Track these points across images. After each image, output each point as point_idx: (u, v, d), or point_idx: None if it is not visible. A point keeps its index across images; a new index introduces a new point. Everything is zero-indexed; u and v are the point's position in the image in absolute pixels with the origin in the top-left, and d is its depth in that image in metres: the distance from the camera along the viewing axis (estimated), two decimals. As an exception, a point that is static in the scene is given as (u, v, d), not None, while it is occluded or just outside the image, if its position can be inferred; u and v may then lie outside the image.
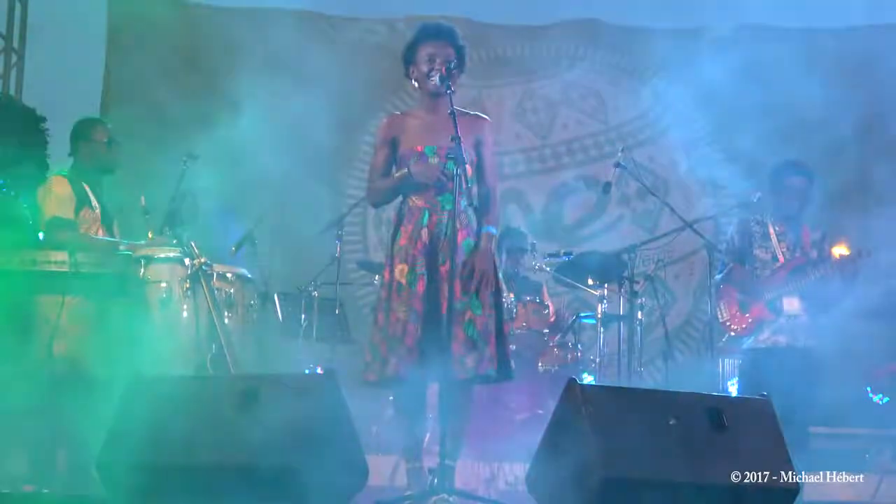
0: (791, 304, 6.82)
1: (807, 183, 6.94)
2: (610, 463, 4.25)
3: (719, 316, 7.10)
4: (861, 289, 6.94)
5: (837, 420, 9.05)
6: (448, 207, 5.28)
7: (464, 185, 5.18)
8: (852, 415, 9.25)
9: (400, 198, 5.46)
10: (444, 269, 5.23)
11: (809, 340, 6.83)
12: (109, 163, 6.72)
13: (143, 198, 6.63)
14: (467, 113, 5.49)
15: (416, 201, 5.34)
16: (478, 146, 5.44)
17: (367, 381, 5.28)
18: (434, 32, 5.49)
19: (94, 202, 6.56)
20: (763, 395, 4.84)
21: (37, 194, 6.80)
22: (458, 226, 5.23)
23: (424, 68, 5.40)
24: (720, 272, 7.20)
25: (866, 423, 8.85)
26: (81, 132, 6.72)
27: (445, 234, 5.26)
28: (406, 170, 5.32)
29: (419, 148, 5.33)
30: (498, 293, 5.39)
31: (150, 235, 6.69)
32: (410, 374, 5.16)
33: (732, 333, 7.02)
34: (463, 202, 5.28)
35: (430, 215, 5.30)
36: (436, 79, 5.36)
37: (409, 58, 5.50)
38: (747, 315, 6.96)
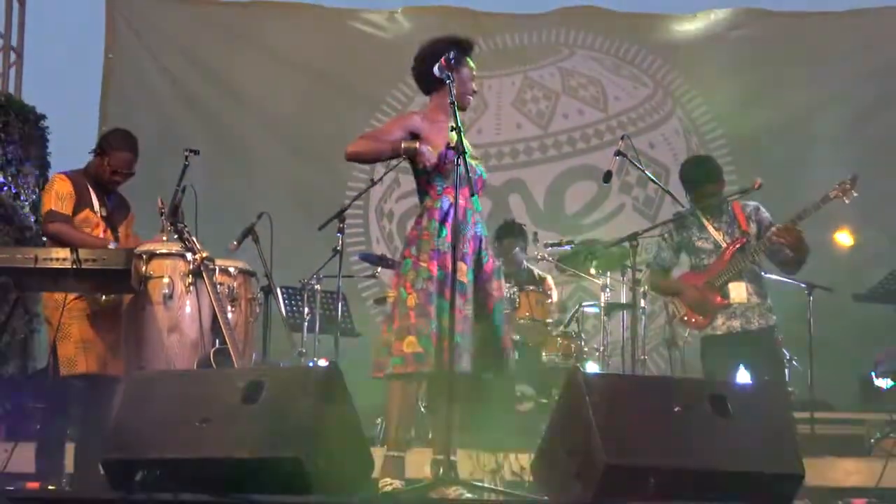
0: (738, 292, 6.78)
1: (721, 183, 6.93)
2: (614, 451, 4.25)
3: (675, 311, 7.04)
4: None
5: (842, 405, 9.07)
6: (479, 209, 5.51)
7: (473, 176, 5.29)
8: (857, 399, 9.27)
9: (430, 194, 5.45)
10: (488, 266, 5.44)
11: (764, 321, 6.81)
12: (107, 184, 6.63)
13: (160, 199, 6.62)
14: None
15: (458, 199, 5.31)
16: None
17: (419, 372, 5.25)
18: (472, 49, 5.62)
19: (97, 205, 6.53)
20: (769, 381, 4.85)
21: (38, 193, 6.79)
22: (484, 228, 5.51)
23: (470, 86, 5.58)
24: (657, 266, 7.17)
25: (871, 407, 8.86)
26: (103, 145, 6.63)
27: (485, 233, 5.49)
28: (416, 145, 5.34)
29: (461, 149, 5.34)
30: None
31: (164, 238, 6.68)
32: (475, 368, 5.27)
33: (693, 328, 7.00)
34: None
35: (471, 215, 5.42)
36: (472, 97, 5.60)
37: (456, 63, 5.45)
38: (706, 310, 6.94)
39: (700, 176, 6.93)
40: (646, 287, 8.05)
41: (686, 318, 6.96)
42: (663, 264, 7.10)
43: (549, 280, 8.85)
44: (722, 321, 6.81)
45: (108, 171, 6.53)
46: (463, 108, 5.50)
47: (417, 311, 5.27)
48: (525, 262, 8.80)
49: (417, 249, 5.38)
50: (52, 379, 6.33)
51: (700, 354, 7.01)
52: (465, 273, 5.28)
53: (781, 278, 7.41)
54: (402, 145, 5.36)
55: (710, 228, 6.90)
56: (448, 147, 5.29)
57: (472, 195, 5.38)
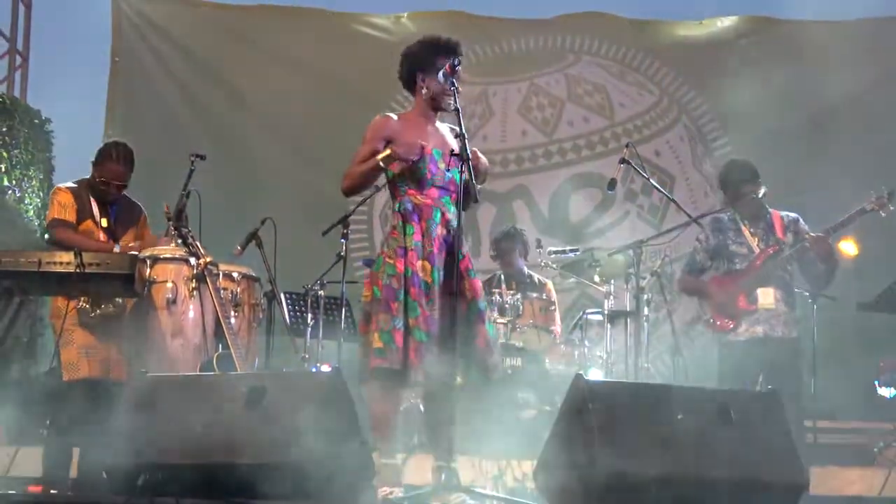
0: (766, 297, 6.80)
1: (758, 186, 6.95)
2: (617, 458, 4.25)
3: (702, 315, 7.08)
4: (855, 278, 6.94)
5: (845, 414, 9.06)
6: (451, 210, 5.41)
7: (443, 179, 5.35)
8: (860, 408, 9.25)
9: (396, 196, 5.46)
10: (462, 265, 5.37)
11: (788, 330, 6.81)
12: (101, 194, 6.61)
13: (166, 205, 6.62)
14: (443, 124, 5.61)
15: (422, 199, 5.36)
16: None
17: (380, 368, 5.23)
18: (456, 49, 5.52)
19: (99, 216, 6.52)
20: (771, 389, 4.84)
21: (42, 197, 6.79)
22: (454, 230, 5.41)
23: (447, 87, 5.42)
24: (689, 268, 7.17)
25: (874, 416, 8.85)
26: (97, 156, 6.61)
27: (457, 232, 5.39)
28: (388, 151, 5.32)
29: (427, 150, 5.35)
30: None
31: (172, 243, 6.68)
32: (441, 370, 5.21)
33: (718, 330, 7.00)
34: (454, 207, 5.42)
35: (442, 214, 5.35)
36: (453, 98, 5.40)
37: (424, 65, 5.49)
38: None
39: (737, 177, 6.97)
40: (649, 295, 8.04)
41: (711, 321, 6.98)
42: (696, 266, 7.11)
43: (550, 285, 8.85)
44: (745, 327, 6.82)
45: (98, 181, 6.52)
46: (440, 109, 5.50)
47: (382, 306, 5.29)
48: (525, 268, 8.80)
49: (387, 247, 5.41)
50: (56, 383, 6.35)
51: (719, 359, 7.02)
52: (429, 272, 5.29)
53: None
54: (378, 159, 5.34)
55: (747, 233, 6.93)
56: (453, 153, 5.29)
57: (443, 197, 5.38)
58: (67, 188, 6.53)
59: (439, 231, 5.34)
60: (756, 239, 6.92)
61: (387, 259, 5.36)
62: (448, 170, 5.40)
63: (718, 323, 6.94)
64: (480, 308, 5.37)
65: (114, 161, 6.53)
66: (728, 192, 7.04)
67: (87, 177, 6.60)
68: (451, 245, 5.37)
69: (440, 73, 5.38)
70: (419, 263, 5.29)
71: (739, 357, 6.80)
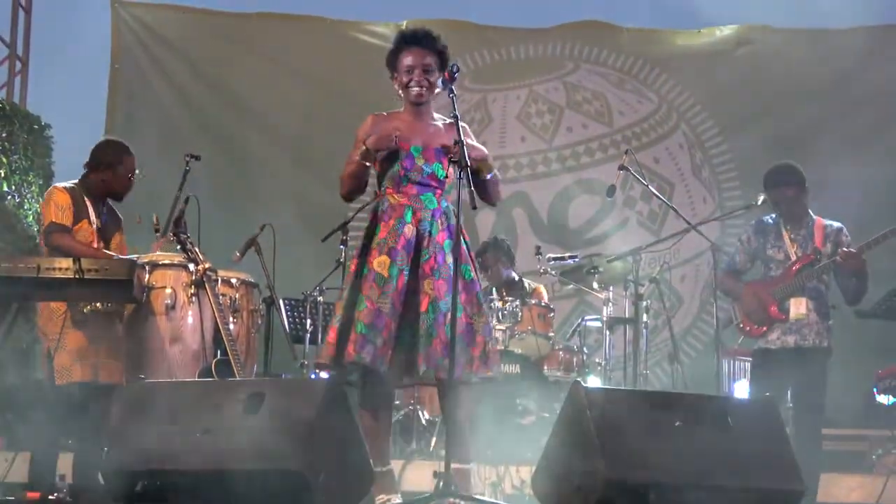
0: (798, 307, 6.77)
1: (798, 190, 6.89)
2: (615, 466, 4.25)
3: (733, 318, 7.06)
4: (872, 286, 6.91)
5: (844, 421, 9.05)
6: (431, 207, 5.35)
7: (420, 175, 5.33)
8: (859, 416, 9.24)
9: (378, 196, 5.45)
10: (427, 265, 5.28)
11: (819, 340, 6.79)
12: (123, 193, 6.61)
13: (155, 216, 6.62)
14: (445, 119, 5.53)
15: (397, 198, 5.34)
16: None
17: (321, 364, 5.30)
18: (411, 40, 5.51)
19: (94, 218, 6.50)
20: (768, 396, 4.85)
21: (40, 205, 6.78)
22: (440, 226, 5.34)
23: (405, 79, 5.45)
24: (728, 268, 7.13)
25: (872, 423, 8.84)
26: (107, 157, 6.60)
27: (430, 231, 5.32)
28: (364, 148, 5.32)
29: (406, 147, 5.34)
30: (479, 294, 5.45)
31: (157, 250, 6.69)
32: (382, 366, 5.17)
33: (748, 335, 6.98)
34: (444, 203, 5.35)
35: (414, 212, 5.32)
36: (418, 90, 5.42)
37: (391, 64, 5.54)
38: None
39: (775, 179, 6.91)
40: (648, 302, 8.03)
41: (741, 325, 6.97)
42: (735, 266, 7.07)
43: (542, 288, 8.88)
44: (777, 335, 6.79)
45: (125, 178, 6.50)
46: (414, 102, 5.47)
47: (336, 309, 5.36)
48: (514, 274, 8.82)
49: (354, 249, 5.44)
50: (48, 388, 6.33)
51: (751, 367, 7.00)
52: (386, 267, 5.23)
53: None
54: (357, 158, 5.35)
55: (787, 238, 6.88)
56: (451, 160, 5.25)
57: (423, 194, 5.34)
58: (64, 188, 6.49)
59: (407, 230, 5.29)
60: (795, 245, 6.89)
61: (349, 262, 5.41)
62: (428, 164, 5.36)
63: (748, 328, 6.92)
64: (442, 309, 5.22)
65: (129, 154, 6.55)
66: (767, 193, 6.99)
67: (81, 180, 6.59)
68: (419, 244, 5.31)
69: (440, 80, 5.38)
70: (377, 259, 5.24)
71: (772, 367, 6.78)
